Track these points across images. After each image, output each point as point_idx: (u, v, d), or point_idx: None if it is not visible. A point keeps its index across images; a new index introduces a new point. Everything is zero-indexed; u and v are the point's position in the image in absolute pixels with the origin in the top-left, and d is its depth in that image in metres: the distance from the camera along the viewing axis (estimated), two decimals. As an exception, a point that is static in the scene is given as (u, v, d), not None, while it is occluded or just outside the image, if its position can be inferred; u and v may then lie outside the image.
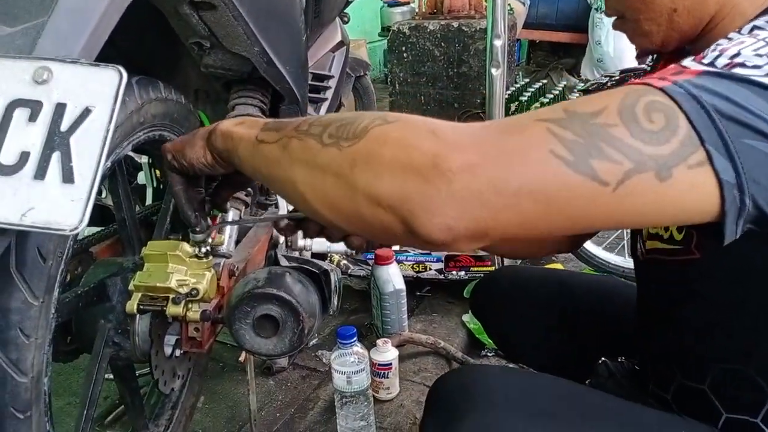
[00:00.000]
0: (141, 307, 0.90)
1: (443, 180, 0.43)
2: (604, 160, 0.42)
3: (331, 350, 1.66)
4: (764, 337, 0.63)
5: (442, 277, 1.86)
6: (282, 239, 1.19)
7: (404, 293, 1.70)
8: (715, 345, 0.68)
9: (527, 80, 3.40)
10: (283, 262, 1.12)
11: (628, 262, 2.20)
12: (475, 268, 1.84)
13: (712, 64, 0.46)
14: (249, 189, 1.14)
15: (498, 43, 2.55)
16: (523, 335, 1.06)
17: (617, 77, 2.19)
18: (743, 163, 0.42)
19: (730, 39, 0.51)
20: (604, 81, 2.24)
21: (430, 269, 1.86)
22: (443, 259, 1.86)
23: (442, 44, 2.96)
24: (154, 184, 1.52)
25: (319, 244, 1.28)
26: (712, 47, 0.50)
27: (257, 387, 1.53)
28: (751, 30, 0.52)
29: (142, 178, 1.65)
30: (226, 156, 0.66)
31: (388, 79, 3.18)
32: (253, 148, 0.60)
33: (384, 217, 0.46)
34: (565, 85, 3.31)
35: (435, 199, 0.43)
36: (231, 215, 1.07)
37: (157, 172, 1.57)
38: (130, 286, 0.91)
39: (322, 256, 1.77)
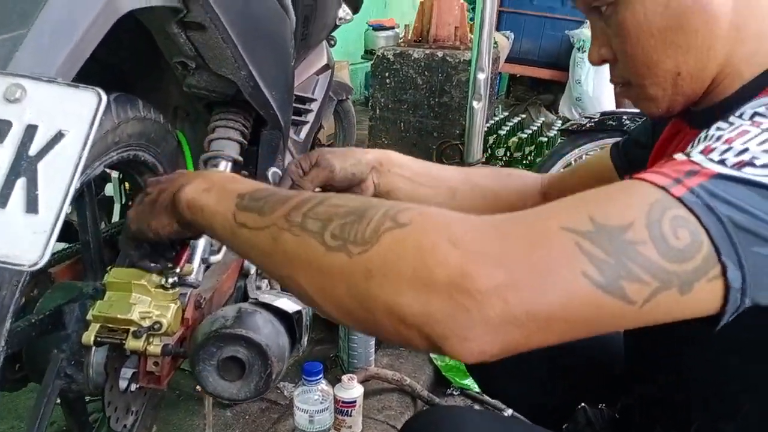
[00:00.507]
0: (98, 339, 0.85)
1: (473, 302, 0.41)
2: (634, 281, 0.43)
3: (294, 383, 1.61)
4: (750, 397, 0.62)
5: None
6: (253, 268, 1.14)
7: (373, 326, 1.65)
8: (700, 398, 0.67)
9: (506, 114, 3.43)
10: (254, 294, 1.07)
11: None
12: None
13: (722, 162, 0.47)
14: None
15: (481, 76, 2.56)
16: (504, 372, 1.03)
17: (597, 119, 2.21)
18: (750, 270, 0.44)
19: (731, 124, 0.51)
20: (584, 122, 2.26)
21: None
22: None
23: (426, 73, 2.96)
24: (123, 200, 1.45)
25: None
26: (716, 133, 0.51)
27: (214, 419, 1.46)
28: (752, 117, 0.51)
29: (110, 189, 1.59)
30: (197, 228, 0.64)
31: (369, 104, 3.16)
32: (232, 229, 0.57)
33: (406, 333, 0.44)
34: (543, 122, 3.34)
35: (466, 323, 0.41)
36: (203, 241, 1.02)
37: (127, 185, 1.51)
38: (89, 316, 0.85)
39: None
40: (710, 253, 0.44)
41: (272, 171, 1.07)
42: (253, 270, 1.11)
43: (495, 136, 3.00)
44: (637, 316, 0.44)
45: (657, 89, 0.65)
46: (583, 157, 2.25)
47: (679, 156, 0.49)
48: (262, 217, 0.54)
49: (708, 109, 0.65)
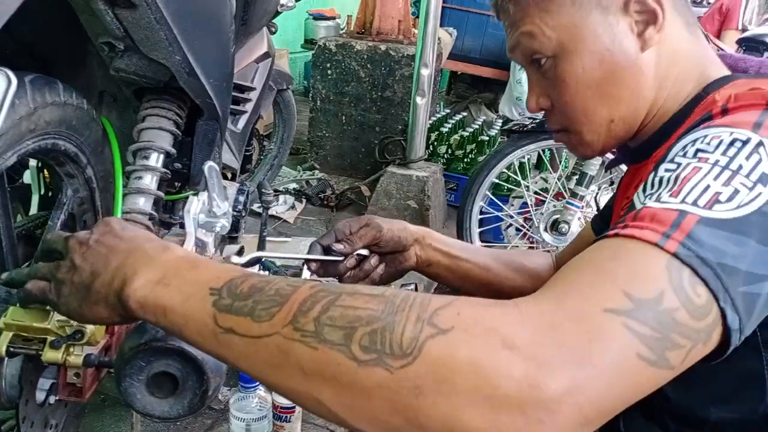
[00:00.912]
0: (11, 349, 0.76)
1: (546, 413, 0.40)
2: (676, 349, 0.45)
3: (229, 386, 1.53)
4: (720, 408, 0.63)
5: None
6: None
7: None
8: (674, 409, 0.67)
9: (448, 111, 3.42)
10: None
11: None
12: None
13: (695, 203, 0.50)
14: (152, 212, 1.01)
15: (425, 72, 2.54)
16: None
17: (539, 120, 2.22)
18: (742, 311, 0.47)
19: (679, 164, 0.55)
20: (527, 123, 2.26)
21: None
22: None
23: (368, 66, 2.91)
24: (42, 191, 1.33)
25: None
26: (667, 175, 0.55)
27: (142, 425, 1.37)
28: (696, 154, 0.55)
29: (28, 177, 1.45)
30: (157, 325, 0.53)
31: (310, 94, 3.09)
32: (215, 336, 0.48)
33: None
34: (484, 120, 3.35)
35: None
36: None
37: (47, 174, 1.39)
38: (0, 323, 0.76)
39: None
40: (714, 304, 0.47)
41: (208, 165, 1.00)
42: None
43: (437, 133, 2.99)
44: (672, 375, 0.46)
45: (592, 135, 0.72)
46: (526, 157, 2.26)
47: (653, 204, 0.51)
48: (258, 323, 0.46)
49: (640, 146, 0.74)
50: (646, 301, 0.45)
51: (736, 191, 0.50)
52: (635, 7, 0.67)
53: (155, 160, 1.02)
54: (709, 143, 0.54)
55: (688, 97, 0.70)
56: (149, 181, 0.99)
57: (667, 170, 0.55)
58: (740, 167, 0.51)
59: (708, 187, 0.51)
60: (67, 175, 1.00)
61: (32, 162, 1.37)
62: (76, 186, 1.03)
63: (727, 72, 0.72)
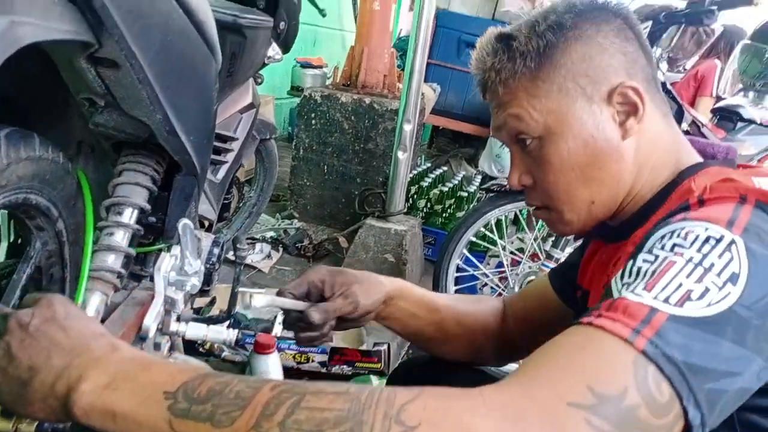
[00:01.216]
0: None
1: None
2: None
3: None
4: None
5: (324, 370, 1.73)
6: (153, 329, 1.03)
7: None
8: None
9: (429, 165, 3.45)
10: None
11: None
12: (361, 364, 1.73)
13: (667, 300, 0.51)
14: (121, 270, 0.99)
15: (407, 127, 2.56)
16: None
17: (518, 181, 2.24)
18: (706, 407, 0.48)
19: (656, 257, 0.57)
20: (505, 183, 2.28)
21: (313, 361, 1.73)
22: (328, 351, 1.74)
23: (352, 118, 2.93)
24: (11, 238, 1.29)
25: (194, 329, 1.13)
26: (645, 267, 0.56)
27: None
28: (672, 248, 0.56)
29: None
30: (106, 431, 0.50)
31: (293, 143, 3.09)
32: None
33: None
34: (464, 175, 3.38)
35: None
36: (98, 299, 0.91)
37: (13, 222, 1.35)
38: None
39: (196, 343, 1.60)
40: (677, 402, 0.48)
41: (182, 223, 0.98)
42: (151, 333, 1.00)
43: (417, 186, 3.00)
44: None
45: (573, 215, 0.76)
46: (503, 217, 2.27)
47: (628, 294, 0.53)
48: (219, 428, 0.45)
49: (618, 226, 0.78)
50: (609, 397, 0.46)
51: (707, 289, 0.52)
52: (618, 99, 0.72)
53: (128, 216, 0.99)
54: (685, 238, 0.57)
55: (664, 182, 0.74)
56: (120, 238, 0.97)
57: (645, 261, 0.58)
58: (712, 265, 0.53)
59: (681, 285, 0.53)
60: (36, 228, 0.98)
61: (2, 210, 1.34)
62: (45, 239, 1.00)
63: (698, 158, 0.76)
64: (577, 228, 0.78)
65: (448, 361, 1.03)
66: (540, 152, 0.74)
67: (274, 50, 1.97)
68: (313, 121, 2.99)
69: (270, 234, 2.84)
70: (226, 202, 2.32)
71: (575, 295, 0.92)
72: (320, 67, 4.61)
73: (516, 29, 0.75)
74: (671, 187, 0.73)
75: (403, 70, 2.56)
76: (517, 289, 2.23)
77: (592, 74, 0.72)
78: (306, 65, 4.56)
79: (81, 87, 0.83)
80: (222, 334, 1.20)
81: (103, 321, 0.99)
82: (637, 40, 0.74)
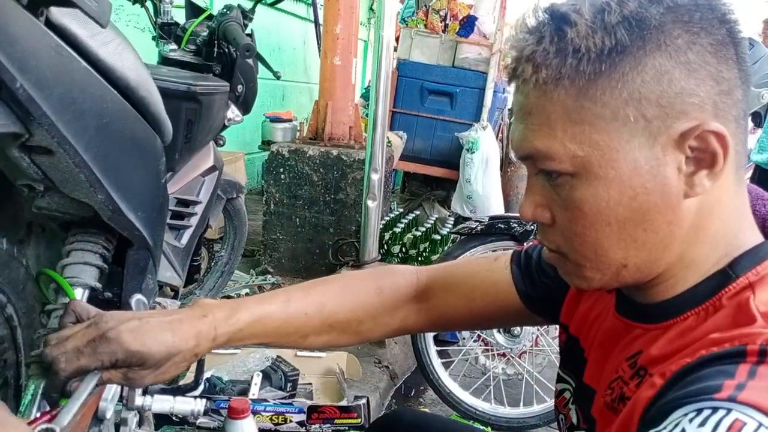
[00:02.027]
0: None
1: None
2: None
3: None
4: None
5: (303, 429, 1.70)
6: (110, 410, 1.00)
7: (259, 451, 1.52)
8: None
9: (402, 210, 3.47)
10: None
11: (495, 409, 2.17)
12: (340, 420, 1.70)
13: None
14: None
15: (375, 176, 2.59)
16: None
17: (486, 223, 2.26)
18: None
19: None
20: (474, 226, 2.30)
21: (291, 421, 1.70)
22: (306, 410, 1.71)
23: (321, 170, 2.96)
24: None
25: (160, 402, 1.11)
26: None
27: None
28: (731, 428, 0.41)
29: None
30: None
31: (264, 198, 3.10)
32: None
33: None
34: (437, 218, 3.40)
35: None
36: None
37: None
38: None
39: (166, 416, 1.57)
40: None
41: (135, 299, 0.97)
42: (109, 414, 0.97)
43: (390, 233, 3.01)
44: None
45: (596, 273, 0.59)
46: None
47: None
48: None
49: (647, 307, 0.60)
50: None
51: None
52: (693, 144, 0.52)
53: (80, 295, 0.99)
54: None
55: (713, 268, 0.56)
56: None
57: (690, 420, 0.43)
58: None
59: None
60: (-16, 316, 0.97)
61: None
62: (-6, 325, 0.98)
63: (758, 235, 0.58)
64: (595, 287, 0.61)
65: (432, 415, 0.95)
66: (570, 194, 0.56)
67: (233, 113, 2.00)
68: (282, 176, 3.01)
69: (245, 291, 2.81)
70: (196, 263, 2.31)
71: (542, 306, 0.79)
72: (290, 120, 4.65)
73: (576, 10, 0.52)
74: (721, 282, 0.55)
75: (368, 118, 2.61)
76: (494, 330, 2.22)
77: (666, 104, 0.51)
78: (275, 119, 4.60)
79: (17, 174, 0.84)
80: (189, 404, 1.19)
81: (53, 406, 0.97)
82: (737, 62, 0.53)
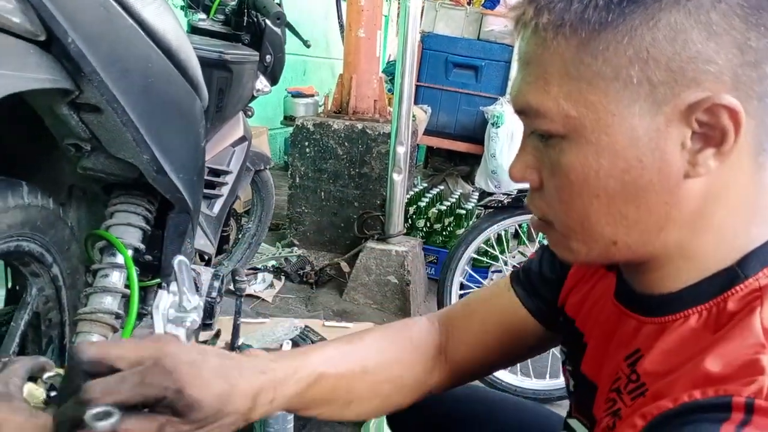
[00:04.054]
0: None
1: None
2: None
3: None
4: None
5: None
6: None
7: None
8: None
9: (426, 185, 3.46)
10: None
11: (521, 381, 2.18)
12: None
13: None
14: None
15: (401, 150, 2.58)
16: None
17: (514, 195, 2.25)
18: None
19: None
20: (502, 199, 2.29)
21: None
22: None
23: (346, 144, 2.95)
24: (9, 284, 1.30)
25: None
26: None
27: None
28: None
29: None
30: None
31: (289, 172, 3.11)
32: None
33: None
34: (461, 193, 3.39)
35: None
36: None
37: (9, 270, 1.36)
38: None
39: None
40: None
41: (178, 260, 0.98)
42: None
43: (415, 207, 3.01)
44: None
45: (582, 246, 0.53)
46: (503, 232, 2.27)
47: None
48: None
49: (648, 298, 0.55)
50: None
51: None
52: (702, 118, 0.46)
53: (122, 256, 1.00)
54: None
55: (719, 264, 0.50)
56: (116, 280, 0.97)
57: None
58: None
59: None
60: (32, 275, 0.99)
61: (-1, 258, 1.34)
62: (41, 285, 1.00)
63: None
64: (582, 260, 0.55)
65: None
66: (559, 158, 0.50)
67: (262, 83, 2.00)
68: (307, 150, 3.01)
69: (271, 263, 2.84)
70: (225, 234, 2.33)
71: (555, 317, 0.73)
72: (311, 95, 4.65)
73: None
74: (727, 281, 0.50)
75: (393, 94, 2.59)
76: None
77: (677, 68, 0.45)
78: (297, 95, 4.60)
79: (65, 133, 0.84)
80: None
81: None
82: None
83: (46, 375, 0.58)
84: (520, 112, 0.52)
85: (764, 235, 0.50)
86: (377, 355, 0.71)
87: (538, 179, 0.54)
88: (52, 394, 0.57)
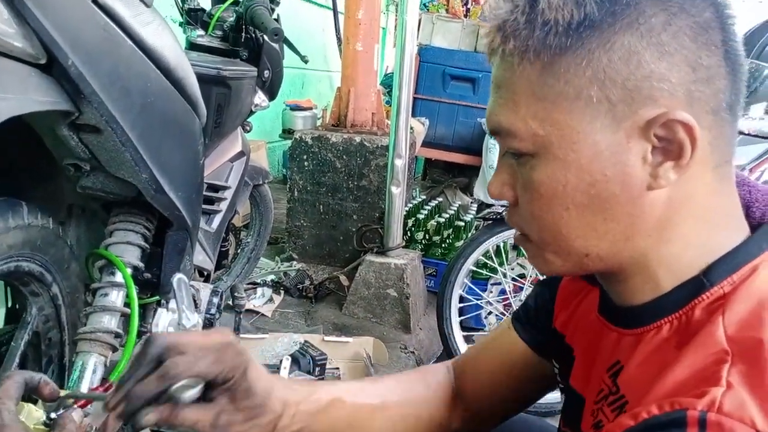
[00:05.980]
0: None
1: None
2: None
3: None
4: None
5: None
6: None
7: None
8: None
9: (424, 197, 3.47)
10: None
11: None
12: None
13: None
14: None
15: (399, 162, 2.58)
16: None
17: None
18: None
19: None
20: (500, 211, 2.29)
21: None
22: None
23: (344, 157, 2.96)
24: (9, 304, 1.30)
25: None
26: None
27: None
28: None
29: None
30: None
31: (288, 185, 3.12)
32: None
33: None
34: (460, 205, 3.40)
35: None
36: (94, 361, 0.91)
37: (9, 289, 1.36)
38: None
39: None
40: None
41: (177, 278, 0.99)
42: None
43: (414, 219, 3.01)
44: None
45: (556, 257, 0.56)
46: (501, 244, 2.27)
47: None
48: None
49: (627, 310, 0.57)
50: None
51: None
52: (659, 132, 0.49)
53: (122, 275, 1.00)
54: None
55: (688, 273, 0.53)
56: (116, 298, 0.97)
57: None
58: None
59: None
60: (31, 294, 0.99)
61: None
62: (41, 304, 1.00)
63: (743, 237, 0.53)
64: (557, 272, 0.58)
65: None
66: (530, 174, 0.53)
67: (260, 98, 2.01)
68: (306, 163, 3.01)
69: (270, 277, 2.84)
70: (224, 249, 2.33)
71: (549, 342, 0.75)
72: (310, 108, 4.66)
73: None
74: (693, 290, 0.52)
75: (390, 106, 2.60)
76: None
77: (633, 87, 0.48)
78: (296, 108, 4.61)
79: (65, 153, 0.85)
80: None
81: (103, 380, 0.99)
82: (723, 48, 0.49)
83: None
84: (494, 132, 0.56)
85: (729, 243, 0.52)
86: (395, 393, 0.76)
87: (514, 196, 0.57)
88: (53, 415, 0.57)
